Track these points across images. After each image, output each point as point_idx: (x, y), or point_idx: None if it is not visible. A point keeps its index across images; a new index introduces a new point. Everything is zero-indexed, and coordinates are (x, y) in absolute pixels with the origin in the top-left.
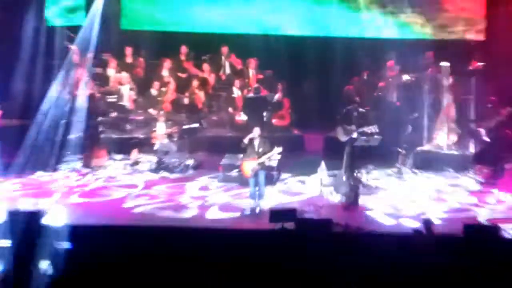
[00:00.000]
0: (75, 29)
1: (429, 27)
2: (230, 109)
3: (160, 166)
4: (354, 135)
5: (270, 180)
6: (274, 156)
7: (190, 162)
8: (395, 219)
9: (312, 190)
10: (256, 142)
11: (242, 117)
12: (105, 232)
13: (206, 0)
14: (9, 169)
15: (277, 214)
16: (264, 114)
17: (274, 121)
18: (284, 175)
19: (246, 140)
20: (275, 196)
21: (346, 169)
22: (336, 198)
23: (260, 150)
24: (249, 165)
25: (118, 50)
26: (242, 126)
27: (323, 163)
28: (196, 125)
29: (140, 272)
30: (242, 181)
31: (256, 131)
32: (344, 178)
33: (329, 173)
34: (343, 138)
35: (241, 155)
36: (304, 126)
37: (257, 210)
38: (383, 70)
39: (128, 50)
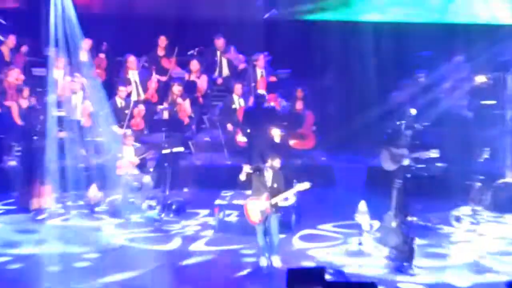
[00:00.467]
0: (7, 12)
1: None
2: (229, 126)
3: (127, 210)
4: (406, 162)
5: (287, 227)
6: (292, 194)
7: (172, 202)
8: None
9: (348, 241)
10: (268, 175)
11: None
12: None
13: None
14: None
15: (297, 276)
16: (275, 133)
17: (291, 143)
18: (306, 220)
19: (251, 170)
20: (294, 250)
21: (396, 212)
22: (383, 252)
23: (275, 185)
24: (256, 207)
25: (70, 43)
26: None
27: (363, 204)
28: (181, 149)
29: None
30: (247, 229)
31: (269, 160)
32: (393, 224)
33: (371, 217)
34: (390, 166)
35: (245, 192)
36: (334, 151)
37: (267, 269)
38: (446, 69)
39: (86, 43)
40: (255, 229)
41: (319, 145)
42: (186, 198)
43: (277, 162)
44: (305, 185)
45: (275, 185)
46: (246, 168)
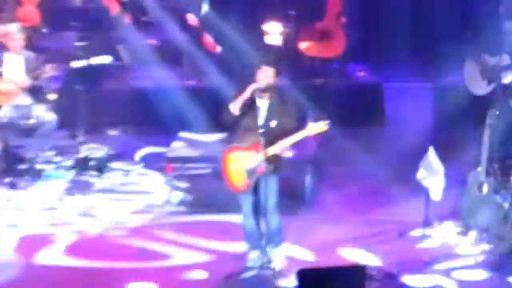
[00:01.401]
0: None
1: None
2: (191, 18)
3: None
4: (510, 78)
5: (297, 199)
6: (302, 137)
7: (90, 155)
8: None
9: (406, 215)
10: (262, 104)
11: None
12: None
13: None
14: None
15: (314, 279)
16: (273, 29)
17: (304, 46)
18: (331, 186)
19: (238, 102)
20: (311, 239)
21: (489, 168)
22: (467, 238)
23: (272, 124)
24: (243, 162)
25: None
26: None
27: (431, 153)
28: (106, 58)
29: None
30: (226, 201)
31: (266, 73)
32: (484, 190)
33: (446, 177)
34: (480, 86)
35: (221, 134)
36: (380, 60)
37: (261, 272)
38: None
39: None
40: (239, 201)
41: (353, 51)
42: (114, 147)
43: (272, 80)
44: (320, 127)
45: (273, 123)
46: (248, 89)
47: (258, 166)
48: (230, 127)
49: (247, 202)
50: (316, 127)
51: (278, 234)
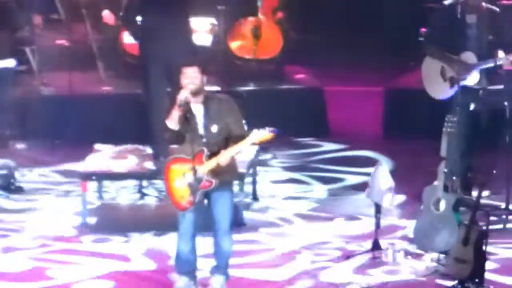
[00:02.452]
0: None
1: None
2: (106, 14)
3: None
4: (473, 79)
5: (237, 216)
6: (247, 146)
7: None
8: None
9: (361, 230)
10: (198, 110)
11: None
12: None
13: None
14: None
15: None
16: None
17: (234, 46)
18: (276, 200)
19: (174, 116)
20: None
21: (448, 180)
22: (424, 262)
23: (212, 129)
24: (186, 175)
25: None
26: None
27: (382, 166)
28: (9, 62)
29: None
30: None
31: (190, 75)
32: (442, 206)
33: (397, 191)
34: (440, 89)
35: (159, 147)
36: (323, 60)
37: None
38: None
39: None
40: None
41: (293, 49)
42: (21, 163)
43: (199, 81)
44: (264, 135)
45: (214, 128)
46: (183, 94)
47: (201, 181)
48: (177, 143)
49: (186, 221)
50: (261, 135)
51: (226, 261)
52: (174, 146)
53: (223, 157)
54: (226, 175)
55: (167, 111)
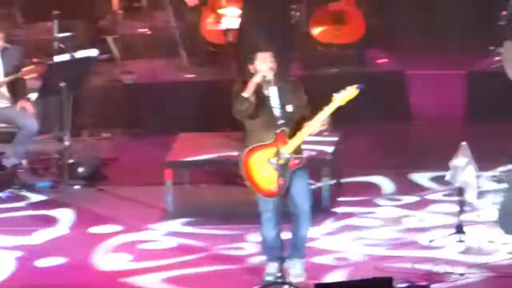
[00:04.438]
0: None
1: None
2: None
3: None
4: None
5: (315, 205)
6: (332, 109)
7: (78, 160)
8: None
9: (438, 222)
10: (272, 92)
11: None
12: None
13: None
14: None
15: None
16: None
17: (316, 32)
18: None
19: (251, 88)
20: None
21: None
22: (509, 245)
23: (289, 108)
24: (268, 162)
25: None
26: None
27: (464, 149)
28: (92, 51)
29: None
30: (245, 210)
31: (265, 60)
32: None
33: (485, 174)
34: None
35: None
36: (405, 44)
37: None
38: None
39: None
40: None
41: (372, 36)
42: (104, 151)
43: (274, 65)
44: (348, 93)
45: (289, 108)
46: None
47: (289, 160)
48: (247, 119)
49: (267, 207)
50: (344, 95)
51: (304, 244)
52: (248, 137)
53: (314, 125)
54: (301, 155)
55: (237, 90)
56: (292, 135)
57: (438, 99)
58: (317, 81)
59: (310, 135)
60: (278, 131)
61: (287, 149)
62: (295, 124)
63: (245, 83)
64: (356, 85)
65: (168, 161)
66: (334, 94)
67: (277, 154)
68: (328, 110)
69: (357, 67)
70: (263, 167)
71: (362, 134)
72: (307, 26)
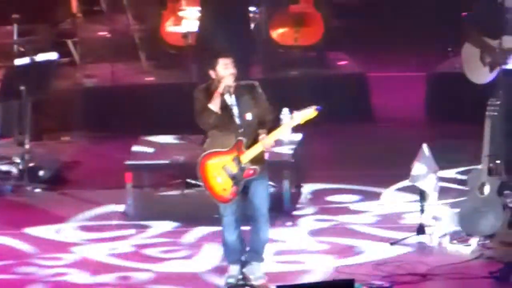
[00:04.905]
0: None
1: None
2: None
3: None
4: None
5: (276, 207)
6: (286, 132)
7: (38, 164)
8: None
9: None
10: (232, 99)
11: None
12: None
13: None
14: None
15: None
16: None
17: (276, 34)
18: (315, 187)
19: (216, 100)
20: (292, 252)
21: (492, 164)
22: (470, 246)
23: (247, 117)
24: (226, 167)
25: None
26: None
27: (424, 150)
28: (51, 55)
29: None
30: (202, 212)
31: (228, 65)
32: (486, 190)
33: (442, 176)
34: (480, 73)
35: (196, 138)
36: (364, 46)
37: None
38: None
39: None
40: (217, 211)
41: (334, 36)
42: (65, 154)
43: (235, 70)
44: (307, 113)
45: (249, 116)
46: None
47: (244, 169)
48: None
49: (228, 212)
50: (304, 114)
51: (263, 247)
52: (208, 140)
53: (267, 141)
54: (263, 162)
55: (202, 98)
56: (250, 143)
57: (400, 100)
58: (278, 84)
59: (267, 148)
60: (236, 139)
61: (243, 159)
62: (254, 132)
63: (207, 91)
64: (315, 106)
65: (128, 164)
66: (294, 112)
67: (233, 162)
68: (285, 127)
69: (318, 69)
70: (218, 173)
71: (324, 136)
72: (267, 29)
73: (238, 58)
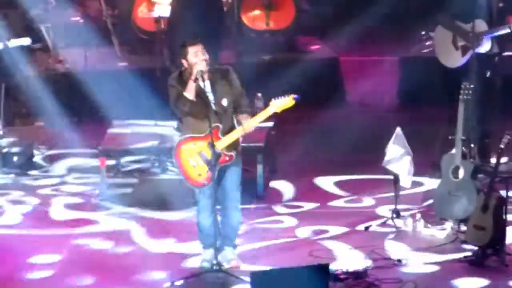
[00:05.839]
0: None
1: None
2: None
3: None
4: (485, 47)
5: (250, 191)
6: (268, 114)
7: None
8: None
9: (374, 206)
10: (207, 86)
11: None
12: None
13: None
14: None
15: (269, 281)
16: None
17: (247, 18)
18: (288, 172)
19: (191, 87)
20: (265, 234)
21: (464, 148)
22: (444, 230)
23: (223, 103)
24: (202, 153)
25: None
26: None
27: (398, 133)
28: (24, 40)
29: None
30: (177, 197)
31: (199, 51)
32: (461, 174)
33: (415, 161)
34: (453, 58)
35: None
36: (335, 29)
37: (214, 273)
38: None
39: None
40: (193, 196)
41: (303, 22)
42: (36, 140)
43: (207, 56)
44: (285, 102)
45: (224, 102)
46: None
47: (220, 156)
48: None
49: (204, 197)
50: (281, 102)
51: (235, 233)
52: (183, 126)
53: (246, 127)
54: (235, 149)
55: (175, 84)
56: (226, 129)
57: (372, 84)
58: (250, 68)
59: (243, 135)
60: (212, 125)
61: (220, 145)
62: (230, 118)
63: (181, 78)
64: (293, 96)
65: (101, 149)
66: (272, 100)
67: (209, 148)
68: (263, 114)
69: (290, 53)
70: (193, 158)
71: (297, 121)
72: (238, 13)
73: (210, 43)
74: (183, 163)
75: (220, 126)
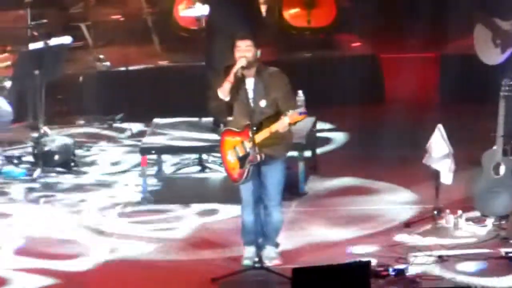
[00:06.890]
0: None
1: None
2: None
3: None
4: None
5: (291, 188)
6: (282, 127)
7: (53, 147)
8: None
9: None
10: (249, 83)
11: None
12: None
13: None
14: None
15: (311, 278)
16: None
17: (289, 15)
18: (329, 170)
19: (226, 87)
20: (306, 232)
21: (509, 147)
22: (485, 227)
23: (261, 103)
24: (236, 148)
25: None
26: None
27: (439, 131)
28: (65, 39)
29: None
30: (218, 193)
31: (243, 49)
32: (502, 171)
33: (457, 158)
34: (492, 54)
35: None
36: (376, 29)
37: (255, 271)
38: None
39: None
40: (236, 194)
41: (344, 20)
42: (81, 138)
43: (252, 54)
44: (296, 117)
45: (263, 103)
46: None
47: (248, 154)
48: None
49: (246, 193)
50: (293, 117)
51: (276, 231)
52: (230, 118)
53: (267, 133)
54: (276, 148)
55: (218, 81)
56: (259, 130)
57: (412, 81)
58: (291, 66)
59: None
60: (244, 124)
61: (248, 144)
62: (267, 119)
63: (228, 70)
64: (299, 110)
65: (143, 147)
66: (288, 112)
67: (241, 145)
68: (279, 126)
69: (330, 51)
70: (230, 151)
71: (337, 117)
72: (279, 11)
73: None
74: (223, 154)
75: (252, 125)
